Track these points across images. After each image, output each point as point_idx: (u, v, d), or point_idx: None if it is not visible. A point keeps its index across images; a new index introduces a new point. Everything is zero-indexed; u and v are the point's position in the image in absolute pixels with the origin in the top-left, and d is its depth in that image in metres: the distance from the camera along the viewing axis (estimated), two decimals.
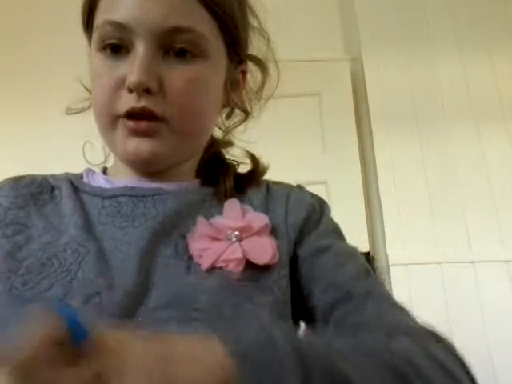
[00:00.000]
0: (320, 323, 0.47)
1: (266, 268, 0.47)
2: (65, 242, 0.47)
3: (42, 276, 0.44)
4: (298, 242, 0.52)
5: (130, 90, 0.47)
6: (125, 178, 0.55)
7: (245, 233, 0.48)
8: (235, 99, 0.58)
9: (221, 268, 0.46)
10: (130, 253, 0.46)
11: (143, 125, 0.48)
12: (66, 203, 0.52)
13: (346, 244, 0.54)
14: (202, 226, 0.49)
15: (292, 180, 0.59)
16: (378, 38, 1.97)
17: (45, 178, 0.57)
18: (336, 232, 0.55)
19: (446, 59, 1.93)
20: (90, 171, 0.59)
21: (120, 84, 0.48)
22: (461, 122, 1.86)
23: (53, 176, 0.57)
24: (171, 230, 0.49)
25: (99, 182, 0.56)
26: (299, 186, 0.59)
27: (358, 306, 0.45)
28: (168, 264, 0.46)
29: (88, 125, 0.56)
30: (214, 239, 0.48)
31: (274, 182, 0.59)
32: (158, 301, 0.42)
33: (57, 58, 1.92)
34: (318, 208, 0.56)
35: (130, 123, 0.48)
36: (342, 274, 0.48)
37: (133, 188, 0.52)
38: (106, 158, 0.61)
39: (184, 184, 0.55)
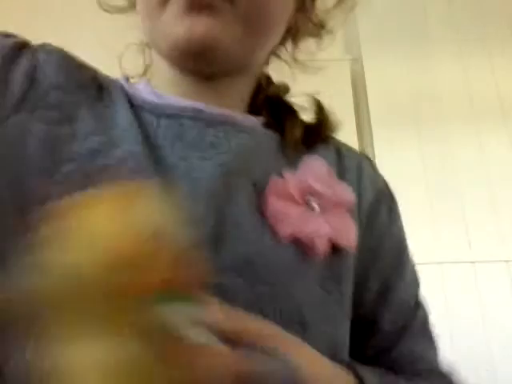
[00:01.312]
0: (373, 339, 0.44)
1: (342, 253, 0.40)
2: (120, 155, 0.36)
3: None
4: (366, 231, 0.44)
5: None
6: (177, 95, 0.42)
7: (328, 203, 0.39)
8: (301, 22, 0.47)
9: (300, 240, 0.37)
10: (199, 193, 0.36)
11: None
12: (120, 112, 0.40)
13: (412, 261, 0.49)
14: (283, 180, 0.39)
15: None
16: (378, 38, 1.97)
17: (92, 70, 0.43)
18: (405, 240, 0.50)
19: (446, 59, 1.93)
20: (127, 80, 0.45)
21: None
22: (461, 122, 1.86)
23: (100, 73, 0.44)
24: (242, 174, 0.39)
25: (147, 95, 0.43)
26: (368, 157, 0.51)
27: (409, 339, 0.44)
28: (243, 215, 0.37)
29: None
30: (294, 202, 0.38)
31: (343, 144, 0.50)
32: (228, 261, 0.34)
33: None
34: (388, 198, 0.48)
35: None
36: (408, 305, 0.46)
37: (199, 110, 0.40)
38: (145, 69, 0.49)
39: (253, 119, 0.44)
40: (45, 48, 0.41)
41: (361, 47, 1.98)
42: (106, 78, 0.44)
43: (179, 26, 0.38)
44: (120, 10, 0.50)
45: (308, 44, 0.52)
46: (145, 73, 0.49)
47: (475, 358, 1.58)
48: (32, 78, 0.38)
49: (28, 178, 0.33)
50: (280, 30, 0.45)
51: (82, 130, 0.37)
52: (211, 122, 0.40)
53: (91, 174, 0.33)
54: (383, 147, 1.83)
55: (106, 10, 0.50)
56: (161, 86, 0.44)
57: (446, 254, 1.71)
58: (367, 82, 1.92)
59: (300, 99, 0.49)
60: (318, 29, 0.50)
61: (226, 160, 0.38)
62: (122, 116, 0.39)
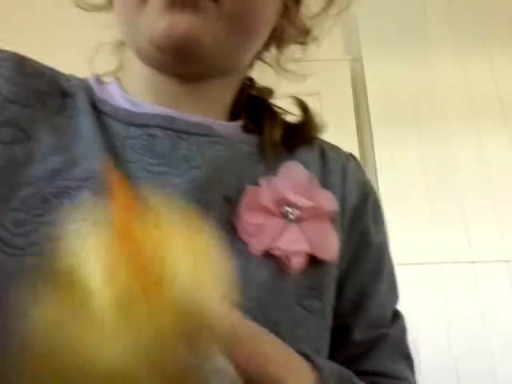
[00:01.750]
0: (346, 345, 0.43)
1: (322, 265, 0.38)
2: (81, 175, 0.33)
3: (44, 219, 0.30)
4: (349, 235, 0.42)
5: None
6: (150, 99, 0.40)
7: (307, 213, 0.37)
8: (285, 27, 0.46)
9: (274, 255, 0.35)
10: None
11: None
12: (83, 122, 0.36)
13: (392, 269, 0.47)
14: (256, 191, 0.37)
15: None
16: (378, 38, 1.97)
17: (53, 73, 0.40)
18: (387, 244, 0.47)
19: (446, 59, 1.93)
20: (98, 81, 0.43)
21: None
22: (461, 122, 1.86)
23: (64, 76, 0.41)
24: (215, 188, 0.36)
25: (117, 100, 0.40)
26: (354, 157, 0.49)
27: (383, 351, 0.43)
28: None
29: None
30: (269, 213, 0.36)
31: (327, 144, 0.48)
32: None
33: None
34: (372, 201, 0.46)
35: None
36: (383, 315, 0.44)
37: (172, 119, 0.38)
38: (118, 67, 0.47)
39: (228, 125, 0.43)
40: None
41: (361, 47, 1.97)
42: (71, 80, 0.40)
43: (160, 21, 0.36)
44: (97, 8, 0.47)
45: (294, 49, 0.51)
46: (117, 71, 0.46)
47: (475, 358, 1.58)
48: None
49: None
50: (265, 32, 0.43)
51: (42, 149, 0.34)
52: (185, 131, 0.38)
53: (50, 199, 0.31)
54: (383, 147, 1.83)
55: (83, 8, 0.47)
56: (135, 88, 0.41)
57: (446, 253, 1.70)
58: (367, 82, 1.92)
59: (284, 101, 0.48)
60: (303, 35, 0.49)
61: (197, 175, 0.36)
62: (86, 127, 0.36)
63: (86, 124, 0.36)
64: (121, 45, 0.47)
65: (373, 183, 1.92)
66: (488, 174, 1.79)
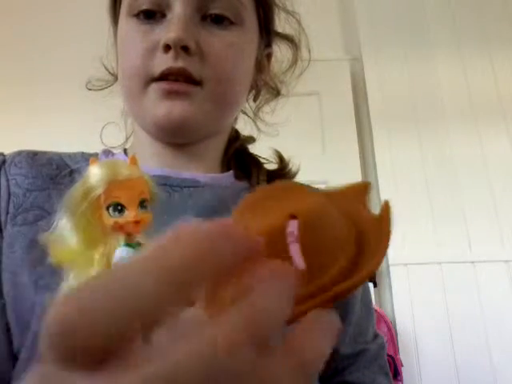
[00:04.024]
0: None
1: None
2: None
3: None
4: None
5: (167, 49, 0.43)
6: (151, 163, 0.50)
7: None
8: (259, 82, 0.55)
9: None
10: None
11: (177, 85, 0.44)
12: None
13: (369, 292, 0.54)
14: None
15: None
16: (377, 37, 1.97)
17: (60, 157, 0.50)
18: None
19: (446, 59, 1.94)
20: (109, 153, 0.53)
21: (155, 46, 0.44)
22: (461, 121, 1.86)
23: (69, 156, 0.51)
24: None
25: None
26: None
27: (364, 364, 0.49)
28: None
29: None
30: None
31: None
32: None
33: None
34: None
35: (164, 84, 0.44)
36: (365, 331, 0.51)
37: (167, 177, 0.48)
38: (127, 138, 0.56)
39: (218, 176, 0.52)
40: (13, 159, 0.47)
41: (361, 47, 1.98)
42: (75, 159, 0.50)
43: (159, 108, 0.45)
44: (105, 84, 0.57)
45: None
46: (126, 142, 0.56)
47: (475, 358, 1.58)
48: (9, 193, 0.45)
49: (19, 271, 0.41)
50: (244, 97, 0.53)
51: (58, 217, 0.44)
52: (178, 185, 0.47)
53: None
54: (383, 147, 1.83)
55: (90, 89, 0.57)
56: (140, 152, 0.49)
57: (446, 253, 1.71)
58: (367, 82, 1.92)
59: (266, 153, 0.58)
60: (274, 91, 0.58)
61: (190, 215, 0.44)
62: None
63: None
64: (126, 115, 0.57)
65: (373, 183, 1.91)
66: (488, 174, 1.79)
